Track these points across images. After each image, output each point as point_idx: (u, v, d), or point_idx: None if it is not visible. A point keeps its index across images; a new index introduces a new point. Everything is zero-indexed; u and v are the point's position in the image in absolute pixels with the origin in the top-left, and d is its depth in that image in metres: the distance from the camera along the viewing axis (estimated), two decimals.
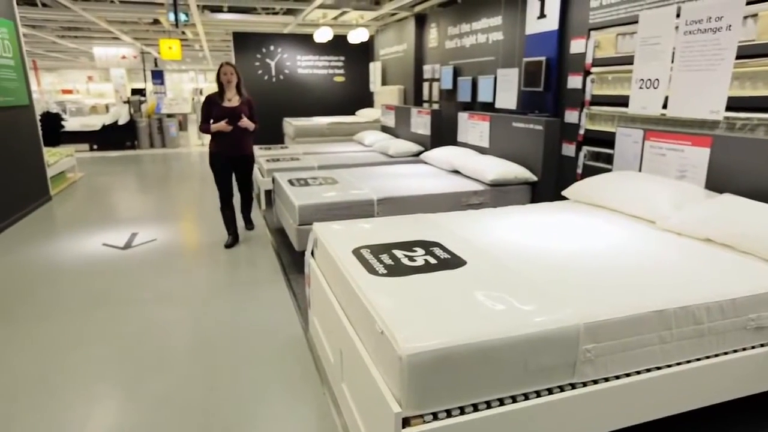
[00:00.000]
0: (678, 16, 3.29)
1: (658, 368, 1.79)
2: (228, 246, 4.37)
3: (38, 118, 6.24)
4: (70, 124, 11.19)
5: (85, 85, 22.44)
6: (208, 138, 4.34)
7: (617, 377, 1.72)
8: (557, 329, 1.59)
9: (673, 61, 3.35)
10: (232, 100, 4.19)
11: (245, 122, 4.19)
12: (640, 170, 3.38)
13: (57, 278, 3.73)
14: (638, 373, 1.75)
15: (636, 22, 3.67)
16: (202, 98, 4.40)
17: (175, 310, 3.15)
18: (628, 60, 3.78)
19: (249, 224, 4.88)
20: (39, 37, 11.27)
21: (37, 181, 5.98)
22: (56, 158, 6.84)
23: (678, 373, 1.80)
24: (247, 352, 2.66)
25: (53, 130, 10.39)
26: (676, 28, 3.30)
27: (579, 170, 4.47)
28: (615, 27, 3.99)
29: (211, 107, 4.17)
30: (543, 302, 1.72)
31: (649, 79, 3.54)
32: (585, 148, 4.42)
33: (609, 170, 3.74)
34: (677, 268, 2.09)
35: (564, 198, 3.54)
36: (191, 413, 2.19)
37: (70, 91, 21.36)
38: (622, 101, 3.88)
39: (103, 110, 15.26)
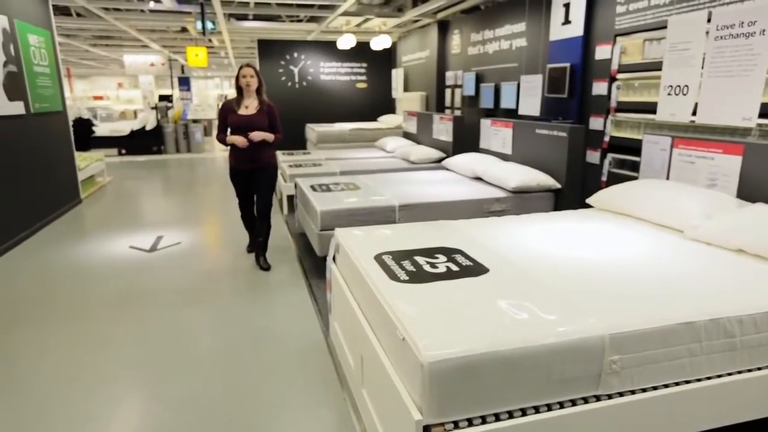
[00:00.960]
0: (709, 21, 3.22)
1: (687, 382, 1.74)
2: (250, 250, 4.30)
3: (71, 123, 6.44)
4: (100, 129, 11.53)
5: (115, 91, 23.08)
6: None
7: (644, 390, 1.68)
8: (581, 339, 1.56)
9: (703, 67, 3.28)
10: (250, 107, 3.75)
11: (258, 135, 3.70)
12: (667, 178, 3.31)
13: (86, 279, 3.83)
14: (666, 386, 1.71)
15: (664, 27, 3.61)
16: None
17: (198, 312, 3.20)
18: (656, 66, 3.72)
19: (264, 261, 4.01)
20: (73, 46, 11.66)
21: (68, 185, 6.17)
22: (87, 162, 7.04)
23: (708, 388, 1.75)
24: (268, 356, 2.68)
25: (84, 135, 10.71)
26: (707, 33, 3.23)
27: (603, 178, 4.39)
28: (642, 32, 3.93)
29: (227, 115, 3.77)
30: (567, 312, 1.69)
31: (678, 86, 3.47)
32: (610, 156, 4.35)
33: (635, 178, 3.67)
34: (707, 278, 2.04)
35: (588, 206, 3.49)
36: (214, 415, 2.21)
37: (100, 98, 22.00)
38: (650, 108, 3.81)
39: (132, 116, 15.69)
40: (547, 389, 1.56)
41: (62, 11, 7.60)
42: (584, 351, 1.57)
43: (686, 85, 3.41)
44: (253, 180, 3.90)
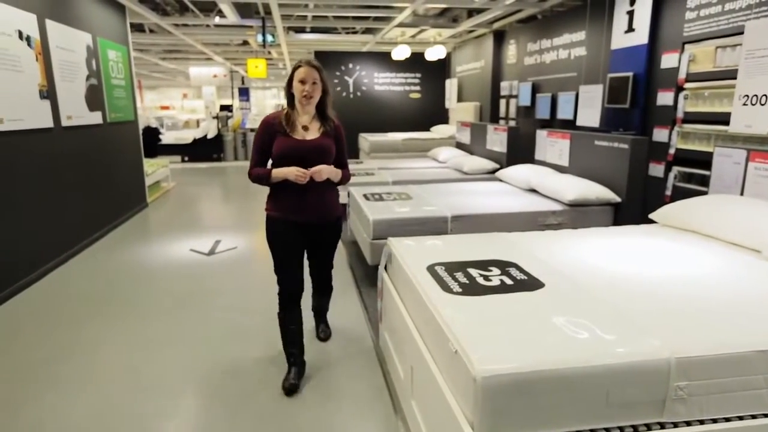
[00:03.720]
0: None
1: (765, 416, 1.61)
2: (287, 390, 2.43)
3: (140, 131, 6.87)
4: (166, 137, 12.20)
5: (180, 101, 24.38)
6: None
7: (714, 420, 1.57)
8: (644, 362, 1.49)
9: None
10: (310, 128, 2.44)
11: (325, 172, 2.40)
12: (741, 194, 3.10)
13: (149, 279, 4.05)
14: (740, 418, 1.59)
15: (740, 33, 3.41)
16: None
17: (252, 316, 3.30)
18: (729, 74, 3.51)
19: (324, 329, 3.01)
20: (145, 60, 12.45)
21: (137, 190, 6.56)
22: (154, 168, 7.47)
23: None
24: (318, 362, 2.72)
25: (152, 142, 11.38)
26: None
27: (668, 192, 4.17)
28: (714, 39, 3.73)
29: (272, 138, 2.41)
30: (628, 331, 1.62)
31: (755, 95, 3.25)
32: (676, 169, 4.13)
33: (703, 193, 3.46)
34: None
35: (651, 221, 3.32)
36: (264, 418, 2.27)
37: (167, 107, 23.30)
38: (721, 119, 3.59)
39: (194, 125, 16.49)
40: (606, 412, 1.49)
41: (137, 28, 8.14)
42: (647, 374, 1.49)
43: (764, 95, 3.19)
44: (308, 243, 2.58)
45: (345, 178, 2.57)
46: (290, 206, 2.44)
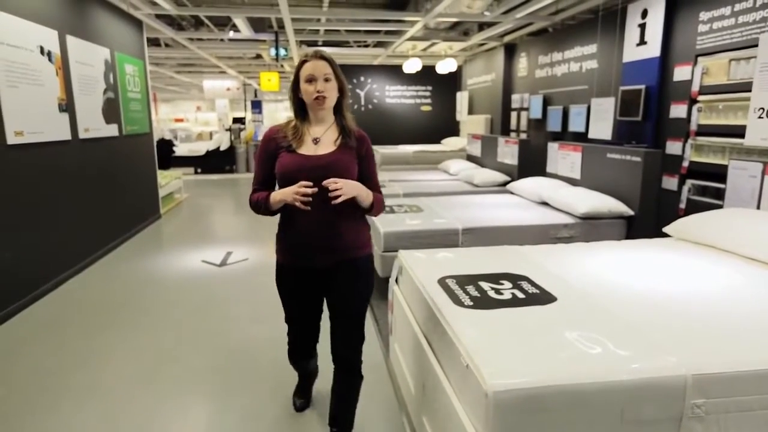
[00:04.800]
0: None
1: None
2: (298, 407, 2.35)
3: (155, 144, 6.98)
4: (180, 149, 12.37)
5: (194, 114, 24.73)
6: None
7: None
8: (660, 378, 1.46)
9: None
10: (323, 141, 1.84)
11: (349, 187, 1.73)
12: (758, 208, 3.06)
13: (162, 290, 4.08)
14: None
15: (754, 45, 3.39)
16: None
17: (263, 327, 3.30)
18: (744, 87, 3.48)
19: (343, 425, 2.01)
20: (160, 73, 12.69)
21: (150, 201, 6.64)
22: (167, 180, 7.56)
23: None
24: (328, 374, 2.71)
25: (166, 154, 11.53)
26: None
27: (682, 205, 4.13)
28: (727, 52, 3.71)
29: (275, 155, 1.86)
30: (642, 347, 1.59)
31: None
32: (690, 182, 4.09)
33: (718, 206, 3.42)
34: None
35: (665, 235, 3.28)
36: (277, 430, 2.26)
37: (181, 120, 23.65)
38: (736, 132, 3.56)
39: (207, 137, 16.72)
40: (620, 429, 1.46)
41: (153, 42, 8.32)
42: (663, 391, 1.46)
43: None
44: (329, 288, 1.92)
45: (378, 204, 1.85)
46: (297, 245, 1.82)
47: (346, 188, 1.70)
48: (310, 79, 1.78)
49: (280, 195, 1.76)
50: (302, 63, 1.80)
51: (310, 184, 1.70)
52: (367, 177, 1.89)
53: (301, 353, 2.16)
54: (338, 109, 1.88)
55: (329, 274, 1.87)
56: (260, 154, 1.92)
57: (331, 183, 1.68)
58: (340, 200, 1.69)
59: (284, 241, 1.90)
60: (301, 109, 1.88)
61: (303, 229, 1.80)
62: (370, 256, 1.94)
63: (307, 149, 1.82)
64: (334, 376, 1.99)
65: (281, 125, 1.90)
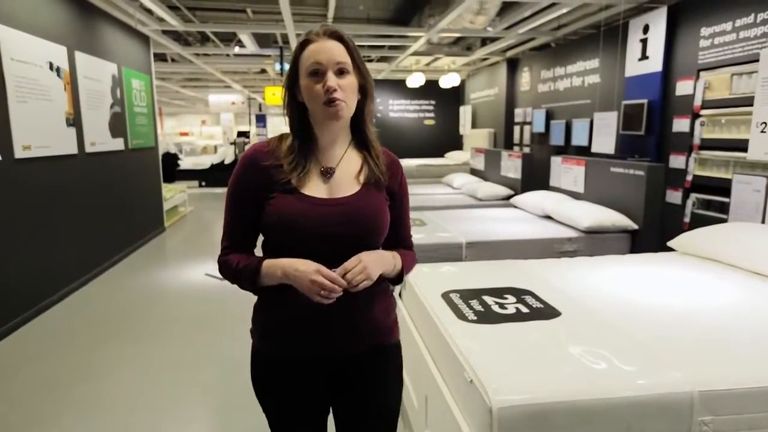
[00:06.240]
0: None
1: None
2: None
3: (160, 157, 7.04)
4: (185, 163, 12.47)
5: (199, 128, 24.95)
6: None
7: None
8: (666, 395, 1.45)
9: None
10: (339, 173, 1.18)
11: (374, 268, 1.09)
12: (763, 222, 3.05)
13: (165, 303, 4.09)
14: None
15: (755, 60, 3.41)
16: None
17: None
18: (746, 101, 3.49)
19: None
20: (166, 87, 12.84)
21: (155, 214, 6.68)
22: (172, 194, 7.61)
23: None
24: None
25: (170, 168, 11.63)
26: None
27: (686, 219, 4.12)
28: (729, 67, 3.73)
29: (259, 192, 1.15)
30: (648, 363, 1.58)
31: None
32: (694, 196, 4.08)
33: (723, 220, 3.41)
34: None
35: (670, 249, 3.27)
36: None
37: (186, 134, 23.85)
38: (739, 145, 3.57)
39: (212, 151, 16.84)
40: None
41: (160, 57, 8.43)
42: (669, 408, 1.44)
43: None
44: (346, 388, 1.25)
45: (409, 268, 1.31)
46: (296, 327, 1.17)
47: (369, 267, 1.08)
48: (315, 71, 1.10)
49: (282, 272, 1.08)
50: (303, 45, 1.12)
51: (341, 283, 1.05)
52: (398, 224, 1.26)
53: None
54: (358, 121, 1.21)
55: (347, 368, 1.22)
56: (236, 190, 1.18)
57: (357, 278, 1.06)
58: (362, 287, 1.07)
59: (272, 319, 1.20)
60: (301, 121, 1.17)
61: (306, 301, 1.08)
62: (399, 345, 1.33)
63: (316, 187, 1.14)
64: None
65: (270, 142, 1.19)
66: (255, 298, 1.23)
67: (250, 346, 1.26)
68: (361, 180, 1.19)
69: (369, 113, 1.23)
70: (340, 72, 1.11)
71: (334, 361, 1.21)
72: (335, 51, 1.10)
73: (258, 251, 1.21)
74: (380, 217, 1.19)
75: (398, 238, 1.29)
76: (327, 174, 1.17)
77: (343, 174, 1.18)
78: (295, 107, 1.17)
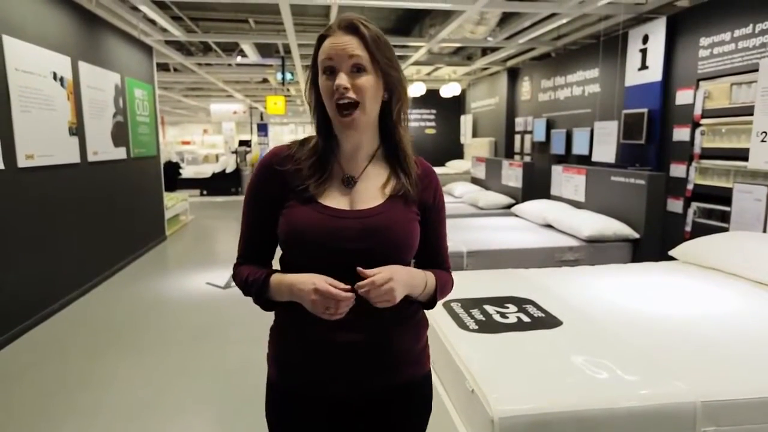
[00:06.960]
0: None
1: None
2: None
3: (162, 166, 7.06)
4: (186, 171, 12.50)
5: (201, 137, 25.05)
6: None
7: None
8: (668, 405, 1.44)
9: None
10: (363, 182, 1.06)
11: (401, 284, 0.96)
12: (764, 231, 3.05)
13: (166, 311, 4.08)
14: None
15: (755, 70, 3.42)
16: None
17: (267, 349, 3.28)
18: (746, 111, 3.51)
19: None
20: (169, 97, 12.92)
21: (156, 223, 6.68)
22: (173, 202, 7.62)
23: None
24: None
25: (172, 177, 11.65)
26: None
27: (688, 228, 4.12)
28: (729, 76, 3.75)
29: (279, 201, 1.05)
30: (650, 373, 1.58)
31: None
32: (695, 205, 4.08)
33: (724, 229, 3.41)
34: None
35: (671, 258, 3.27)
36: None
37: (188, 142, 23.95)
38: (740, 155, 3.58)
39: (214, 159, 16.89)
40: None
41: (162, 67, 8.49)
42: (672, 418, 1.44)
43: None
44: (369, 427, 1.09)
45: (444, 292, 1.14)
46: (314, 359, 1.08)
47: (396, 289, 0.95)
48: (329, 69, 0.99)
49: (288, 288, 1.00)
50: (321, 39, 1.01)
51: (351, 294, 0.95)
52: (432, 242, 1.12)
53: None
54: (387, 125, 1.08)
55: (370, 408, 1.08)
56: (250, 198, 1.12)
57: (374, 293, 0.94)
58: (387, 302, 0.96)
59: (291, 350, 1.13)
60: (326, 122, 1.05)
61: (325, 329, 1.00)
62: (430, 375, 1.15)
63: (335, 197, 1.04)
64: None
65: (292, 144, 1.10)
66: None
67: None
68: (387, 192, 1.05)
69: (400, 116, 1.07)
70: (355, 69, 0.98)
71: (350, 402, 1.07)
72: (348, 46, 0.97)
73: (276, 264, 1.12)
74: (405, 233, 1.04)
75: (432, 258, 1.13)
76: (348, 183, 1.05)
77: (366, 184, 1.06)
78: (320, 107, 1.05)
